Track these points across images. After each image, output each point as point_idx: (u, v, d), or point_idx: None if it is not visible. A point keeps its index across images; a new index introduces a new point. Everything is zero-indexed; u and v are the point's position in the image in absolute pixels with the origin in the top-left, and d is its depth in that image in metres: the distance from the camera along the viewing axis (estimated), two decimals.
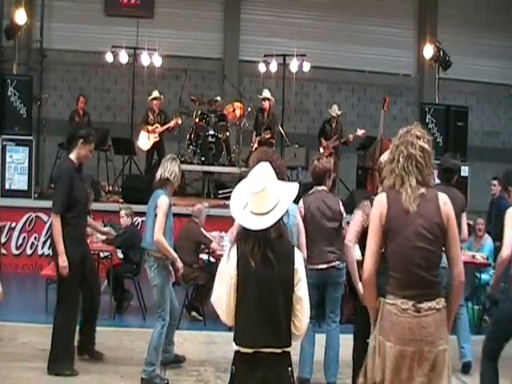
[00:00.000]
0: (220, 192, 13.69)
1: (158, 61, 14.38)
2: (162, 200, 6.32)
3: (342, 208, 6.26)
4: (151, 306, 8.74)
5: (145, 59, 14.27)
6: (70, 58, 15.26)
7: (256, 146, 12.92)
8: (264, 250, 3.10)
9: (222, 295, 3.18)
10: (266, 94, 13.36)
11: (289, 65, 14.70)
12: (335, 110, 13.17)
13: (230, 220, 12.34)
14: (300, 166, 13.81)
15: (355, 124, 14.46)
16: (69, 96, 14.75)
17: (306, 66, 14.65)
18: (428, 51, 13.83)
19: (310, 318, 6.21)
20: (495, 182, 10.24)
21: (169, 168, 6.44)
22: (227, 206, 12.82)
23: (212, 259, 9.50)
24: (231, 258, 3.17)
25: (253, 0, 16.23)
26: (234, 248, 3.19)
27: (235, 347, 3.19)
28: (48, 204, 7.01)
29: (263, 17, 16.09)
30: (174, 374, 6.42)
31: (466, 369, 6.74)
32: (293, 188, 3.24)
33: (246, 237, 3.16)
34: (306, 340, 6.12)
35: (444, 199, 3.71)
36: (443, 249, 3.71)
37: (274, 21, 15.89)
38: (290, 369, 3.22)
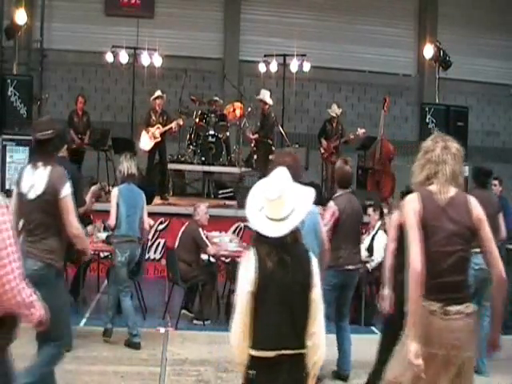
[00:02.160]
0: (220, 192, 13.69)
1: (158, 61, 14.37)
2: (144, 195, 7.56)
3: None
4: (151, 306, 8.77)
5: (145, 59, 14.27)
6: (70, 58, 15.27)
7: (253, 144, 13.07)
8: (280, 254, 3.10)
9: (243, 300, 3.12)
10: (261, 94, 13.04)
11: (289, 65, 14.69)
12: (335, 110, 13.14)
13: (229, 220, 12.27)
14: (302, 166, 13.79)
15: (355, 124, 14.45)
16: (69, 96, 14.75)
17: (306, 66, 14.64)
18: (428, 51, 13.82)
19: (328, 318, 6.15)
20: (496, 182, 10.23)
21: (132, 165, 7.46)
22: (227, 206, 12.82)
23: (212, 259, 9.49)
24: (250, 261, 3.13)
25: (253, 0, 16.23)
26: (252, 252, 3.16)
27: (254, 352, 3.13)
28: None
29: (263, 17, 16.10)
30: (174, 374, 6.42)
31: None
32: (309, 194, 3.22)
33: (261, 241, 3.14)
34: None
35: (473, 202, 3.70)
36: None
37: (274, 21, 15.90)
38: (306, 370, 3.18)
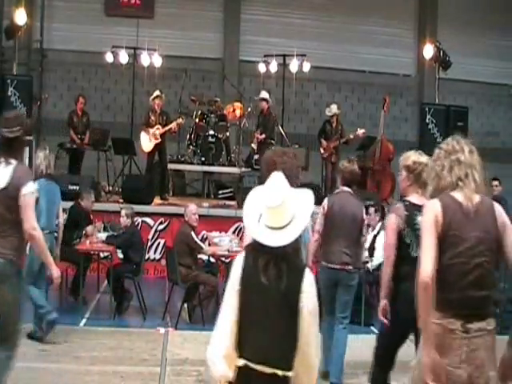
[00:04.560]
0: (220, 192, 13.70)
1: (158, 61, 14.36)
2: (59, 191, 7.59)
3: (364, 215, 6.30)
4: (151, 306, 8.77)
5: (145, 59, 14.26)
6: (70, 58, 15.27)
7: (254, 146, 13.04)
8: (279, 265, 2.91)
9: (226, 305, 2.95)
10: (263, 94, 13.12)
11: (289, 65, 14.68)
12: (333, 109, 13.10)
13: (229, 220, 12.25)
14: (300, 166, 13.77)
15: (355, 124, 14.45)
16: (69, 96, 14.74)
17: (306, 66, 14.63)
18: (428, 51, 13.83)
19: (322, 317, 6.10)
20: (496, 183, 10.31)
21: (51, 164, 7.43)
22: (227, 206, 12.82)
23: (212, 259, 9.50)
24: (236, 267, 2.98)
25: (253, 0, 16.24)
26: (241, 258, 2.99)
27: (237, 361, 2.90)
28: None
29: (263, 17, 16.09)
30: (174, 374, 6.42)
31: None
32: (309, 199, 3.02)
33: (257, 249, 2.96)
34: (326, 334, 6.08)
35: (498, 208, 3.48)
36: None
37: (274, 21, 15.90)
38: None
